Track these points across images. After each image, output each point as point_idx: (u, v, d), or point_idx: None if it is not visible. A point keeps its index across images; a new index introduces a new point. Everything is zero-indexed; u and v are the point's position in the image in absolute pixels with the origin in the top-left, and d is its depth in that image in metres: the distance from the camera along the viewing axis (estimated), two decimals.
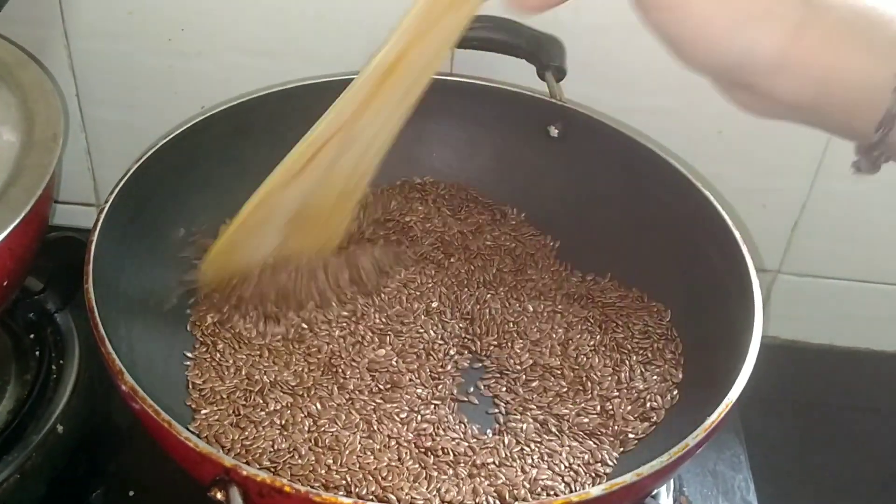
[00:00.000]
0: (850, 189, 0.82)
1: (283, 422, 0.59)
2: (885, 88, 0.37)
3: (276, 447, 0.57)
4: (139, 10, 0.77)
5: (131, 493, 0.65)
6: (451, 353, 0.65)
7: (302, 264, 0.64)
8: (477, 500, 0.55)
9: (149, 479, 0.66)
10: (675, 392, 0.63)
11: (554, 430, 0.60)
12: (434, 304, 0.68)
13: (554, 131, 0.73)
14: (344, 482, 0.55)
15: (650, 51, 0.76)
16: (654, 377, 0.63)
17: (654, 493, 0.60)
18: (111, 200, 0.61)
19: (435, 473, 0.56)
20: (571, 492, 0.56)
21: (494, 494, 0.55)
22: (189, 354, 0.63)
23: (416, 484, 0.55)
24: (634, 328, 0.67)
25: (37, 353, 0.71)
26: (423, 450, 0.58)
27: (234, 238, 0.60)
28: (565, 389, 0.62)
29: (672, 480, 0.67)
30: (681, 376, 0.64)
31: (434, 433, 0.59)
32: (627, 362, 0.64)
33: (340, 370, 0.63)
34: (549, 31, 0.74)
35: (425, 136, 0.77)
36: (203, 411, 0.59)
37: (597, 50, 0.76)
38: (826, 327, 0.92)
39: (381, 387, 0.62)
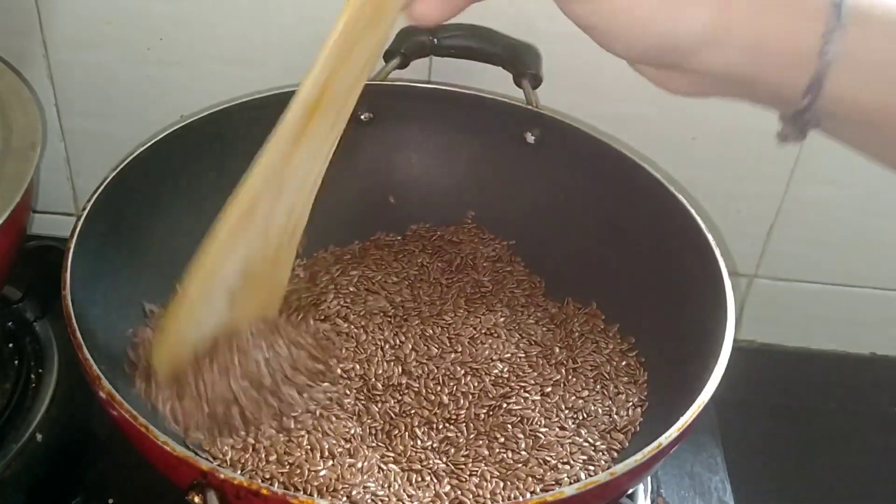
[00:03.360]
0: (823, 193, 0.83)
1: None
2: (812, 52, 0.37)
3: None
4: (117, 20, 0.78)
5: (111, 501, 0.65)
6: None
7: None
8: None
9: (128, 486, 0.66)
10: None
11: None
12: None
13: (530, 138, 0.74)
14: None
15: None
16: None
17: (630, 492, 0.61)
18: (89, 208, 0.61)
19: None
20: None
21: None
22: None
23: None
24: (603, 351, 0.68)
25: (15, 361, 0.71)
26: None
27: (177, 321, 0.54)
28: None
29: (649, 481, 0.68)
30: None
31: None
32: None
33: None
34: (525, 39, 0.75)
35: (403, 143, 0.77)
36: None
37: (572, 57, 0.77)
38: (802, 331, 0.93)
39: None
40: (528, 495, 0.56)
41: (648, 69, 0.42)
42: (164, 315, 0.55)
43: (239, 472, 0.56)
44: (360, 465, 0.57)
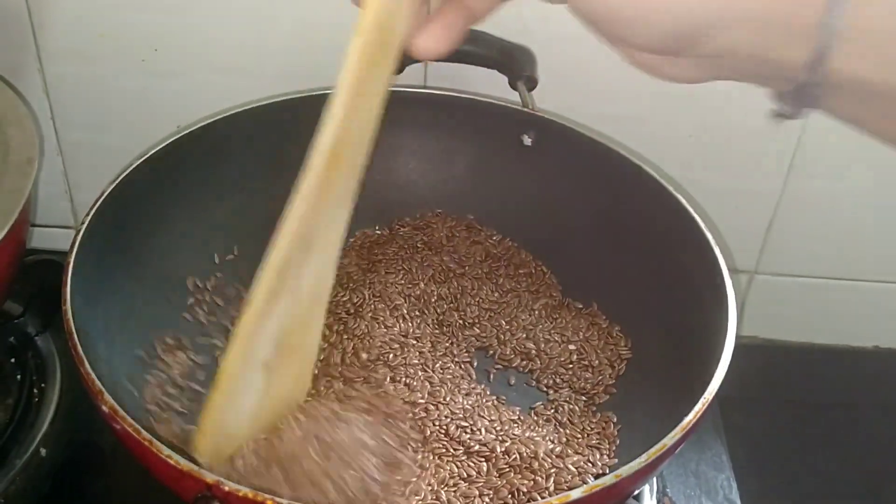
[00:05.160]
0: (822, 187, 0.83)
1: None
2: (816, 24, 0.37)
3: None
4: (111, 32, 0.77)
5: None
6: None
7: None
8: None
9: (134, 500, 0.66)
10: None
11: None
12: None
13: (527, 140, 0.74)
14: None
15: (620, 59, 0.78)
16: None
17: (636, 493, 0.61)
18: (87, 222, 0.61)
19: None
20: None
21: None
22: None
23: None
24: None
25: (18, 377, 0.71)
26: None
27: (217, 405, 0.51)
28: None
29: (655, 482, 0.68)
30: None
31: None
32: None
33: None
34: (519, 42, 0.75)
35: (401, 148, 0.77)
36: None
37: (567, 59, 0.77)
38: (804, 325, 0.93)
39: None
40: (539, 498, 0.56)
41: (650, 59, 0.41)
42: (205, 403, 0.52)
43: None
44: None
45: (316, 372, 0.61)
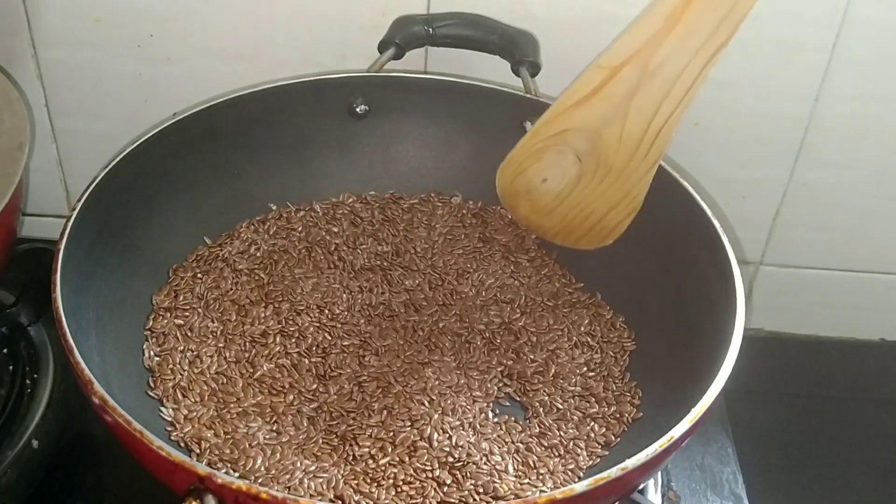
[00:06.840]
0: (829, 177, 0.82)
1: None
2: None
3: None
4: (106, 17, 0.76)
5: None
6: None
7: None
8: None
9: (127, 492, 0.65)
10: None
11: None
12: None
13: (530, 127, 0.72)
14: None
15: None
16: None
17: (641, 487, 0.60)
18: (79, 208, 0.60)
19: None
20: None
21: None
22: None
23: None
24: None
25: (10, 367, 0.70)
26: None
27: (526, 150, 0.58)
28: None
29: (660, 475, 0.67)
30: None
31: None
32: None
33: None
34: (522, 27, 0.74)
35: (401, 135, 0.76)
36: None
37: (571, 44, 0.76)
38: (809, 318, 0.92)
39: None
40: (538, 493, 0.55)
41: None
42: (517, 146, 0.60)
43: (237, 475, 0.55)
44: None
45: None
